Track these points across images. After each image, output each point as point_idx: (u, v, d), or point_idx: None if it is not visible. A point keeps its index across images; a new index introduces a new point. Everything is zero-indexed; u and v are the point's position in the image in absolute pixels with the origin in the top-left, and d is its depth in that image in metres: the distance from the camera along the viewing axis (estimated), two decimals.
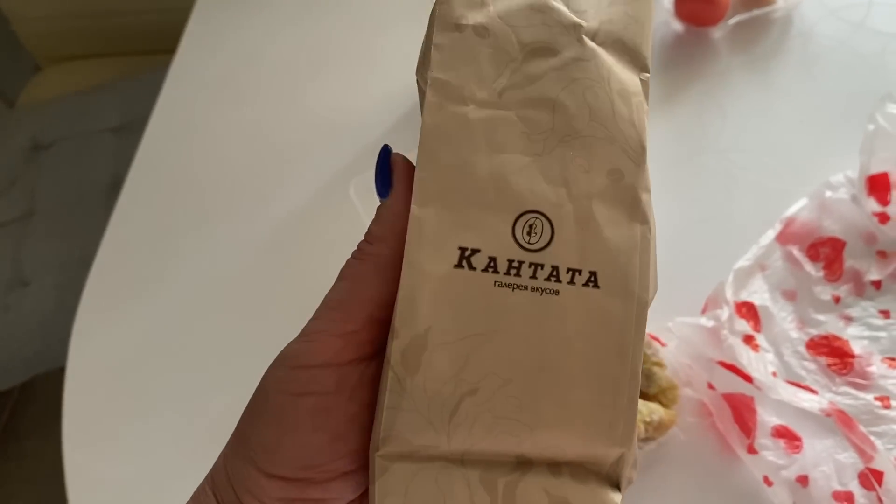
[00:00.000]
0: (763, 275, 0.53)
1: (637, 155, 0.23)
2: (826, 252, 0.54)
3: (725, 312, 0.49)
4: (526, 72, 0.23)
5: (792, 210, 0.54)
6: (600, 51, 0.23)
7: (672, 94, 0.69)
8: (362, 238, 0.23)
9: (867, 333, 0.51)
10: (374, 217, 0.23)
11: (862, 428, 0.44)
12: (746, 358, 0.46)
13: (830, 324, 0.51)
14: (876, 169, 0.53)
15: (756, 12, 0.72)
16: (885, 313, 0.52)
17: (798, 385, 0.47)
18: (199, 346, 0.60)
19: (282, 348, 0.23)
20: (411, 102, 0.73)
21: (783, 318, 0.51)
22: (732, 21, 0.72)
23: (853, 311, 0.52)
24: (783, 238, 0.54)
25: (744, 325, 0.50)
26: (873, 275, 0.53)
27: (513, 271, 0.21)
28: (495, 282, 0.21)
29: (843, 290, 0.53)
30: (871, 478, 0.42)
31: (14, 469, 1.25)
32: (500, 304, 0.21)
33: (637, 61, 0.24)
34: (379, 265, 0.22)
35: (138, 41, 1.26)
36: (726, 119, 0.67)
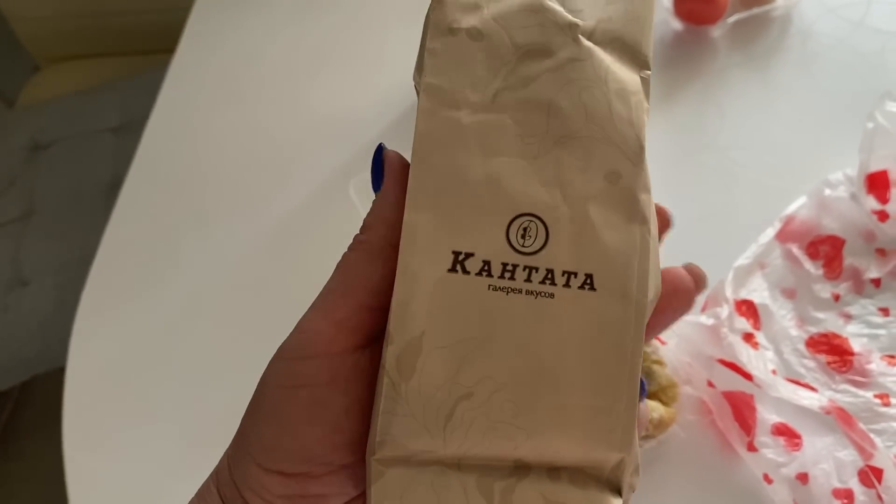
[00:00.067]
0: (762, 273, 0.53)
1: (635, 155, 0.22)
2: (825, 250, 0.54)
3: (725, 310, 0.49)
4: (520, 74, 0.23)
5: (791, 208, 0.55)
6: (597, 50, 0.23)
7: (671, 93, 0.69)
8: None
9: (866, 331, 0.51)
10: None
11: (861, 425, 0.44)
12: (746, 356, 0.47)
13: (830, 322, 0.51)
14: (875, 167, 0.53)
15: (755, 11, 0.72)
16: (885, 311, 0.52)
17: (798, 383, 0.47)
18: (198, 345, 0.60)
19: None
20: (411, 101, 0.73)
21: (783, 316, 0.51)
22: (731, 19, 0.72)
23: (852, 309, 0.52)
24: (782, 236, 0.54)
25: (743, 323, 0.50)
26: (873, 273, 0.53)
27: (507, 275, 0.21)
28: (489, 286, 0.21)
29: (842, 287, 0.53)
30: (871, 475, 0.42)
31: (14, 469, 1.25)
32: (494, 308, 0.21)
33: (637, 59, 0.24)
34: (368, 252, 0.22)
35: (138, 41, 1.26)
36: (725, 117, 0.67)
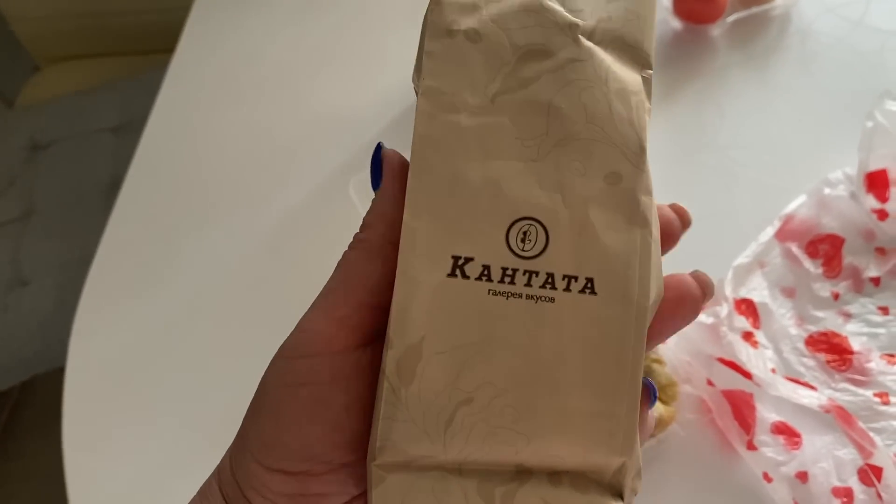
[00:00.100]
0: (762, 272, 0.53)
1: (636, 157, 0.22)
2: (825, 249, 0.54)
3: (725, 309, 0.49)
4: (519, 75, 0.22)
5: (791, 207, 0.55)
6: (598, 50, 0.23)
7: (670, 92, 0.69)
8: None
9: (866, 330, 0.51)
10: None
11: (861, 424, 0.44)
12: (746, 354, 0.47)
13: (829, 320, 0.52)
14: (874, 166, 0.53)
15: (754, 10, 0.72)
16: (884, 310, 0.52)
17: (797, 381, 0.47)
18: (198, 345, 0.60)
19: None
20: (410, 101, 0.73)
21: (782, 315, 0.51)
22: (731, 19, 0.72)
23: (852, 308, 0.52)
24: (782, 235, 0.54)
25: (743, 322, 0.50)
26: (872, 271, 0.53)
27: (507, 279, 0.21)
28: (489, 290, 0.21)
29: (841, 286, 0.53)
30: (871, 474, 0.42)
31: (14, 469, 1.25)
32: (494, 313, 0.21)
33: (638, 58, 0.24)
34: (368, 250, 0.22)
35: (137, 41, 1.26)
36: (725, 117, 0.67)
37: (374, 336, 0.23)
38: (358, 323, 0.22)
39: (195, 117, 0.78)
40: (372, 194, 0.24)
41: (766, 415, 0.45)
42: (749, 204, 0.60)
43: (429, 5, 0.23)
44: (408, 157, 0.23)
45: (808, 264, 0.53)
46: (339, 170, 0.69)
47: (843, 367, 0.49)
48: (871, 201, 0.53)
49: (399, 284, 0.21)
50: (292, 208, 0.67)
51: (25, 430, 1.29)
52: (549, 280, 0.21)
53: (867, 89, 0.60)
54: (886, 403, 0.47)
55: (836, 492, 0.42)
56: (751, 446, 0.45)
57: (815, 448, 0.44)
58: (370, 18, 0.85)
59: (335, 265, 0.23)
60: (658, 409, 0.46)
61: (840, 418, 0.44)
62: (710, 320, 0.48)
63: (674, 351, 0.49)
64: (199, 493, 0.25)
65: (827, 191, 0.55)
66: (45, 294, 0.97)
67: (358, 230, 0.23)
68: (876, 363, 0.49)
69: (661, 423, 0.47)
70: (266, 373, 0.23)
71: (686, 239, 0.26)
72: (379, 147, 0.24)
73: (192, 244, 0.67)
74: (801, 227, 0.54)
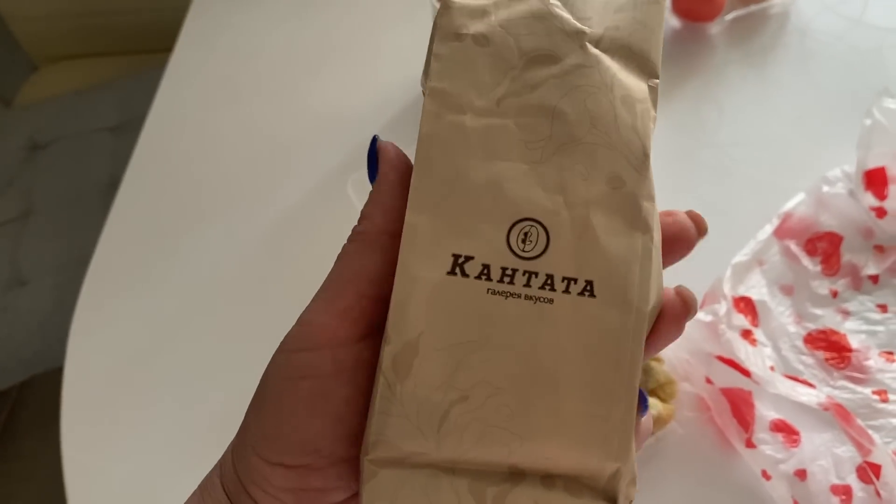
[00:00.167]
0: (761, 269, 0.53)
1: (639, 162, 0.22)
2: (823, 247, 0.54)
3: (723, 307, 0.49)
4: (525, 80, 0.23)
5: (789, 205, 0.55)
6: (604, 57, 0.23)
7: (669, 90, 0.69)
8: None
9: (865, 328, 0.51)
10: None
11: (860, 422, 0.44)
12: (744, 352, 0.47)
13: (828, 318, 0.52)
14: (873, 164, 0.53)
15: (753, 8, 0.72)
16: (883, 307, 0.52)
17: (796, 379, 0.47)
18: (197, 344, 0.60)
19: None
20: (409, 99, 0.73)
21: (781, 313, 0.51)
22: (729, 17, 0.72)
23: (851, 306, 0.52)
24: (781, 233, 0.54)
25: (742, 320, 0.50)
26: (871, 269, 0.53)
27: (506, 279, 0.21)
28: (488, 289, 0.21)
29: (840, 284, 0.53)
30: (869, 471, 0.43)
31: (13, 469, 1.25)
32: (492, 312, 0.21)
33: (645, 67, 0.24)
34: (366, 241, 0.23)
35: (135, 40, 1.26)
36: (723, 114, 0.67)
37: (376, 328, 0.23)
38: (359, 314, 0.22)
39: (193, 116, 0.78)
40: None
41: (765, 412, 0.45)
42: (747, 202, 0.60)
43: (439, 9, 0.24)
44: (406, 152, 0.23)
45: (807, 262, 0.53)
46: (337, 168, 0.69)
47: (842, 365, 0.49)
48: (870, 199, 0.53)
49: (399, 280, 0.21)
50: (290, 207, 0.67)
51: (24, 430, 1.29)
52: (549, 281, 0.21)
53: (866, 87, 0.60)
54: (885, 401, 0.47)
55: (835, 489, 0.42)
56: (749, 444, 0.45)
57: (814, 446, 0.44)
58: (368, 16, 0.85)
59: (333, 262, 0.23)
60: (657, 406, 0.46)
61: (839, 416, 0.44)
62: (708, 318, 0.48)
63: (672, 349, 0.49)
64: (199, 487, 0.25)
65: (825, 188, 0.55)
66: (44, 294, 0.97)
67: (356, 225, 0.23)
68: (874, 361, 0.49)
69: (660, 421, 0.47)
70: (268, 367, 0.23)
71: None
72: (375, 139, 0.24)
73: (190, 243, 0.67)
74: (799, 224, 0.54)
